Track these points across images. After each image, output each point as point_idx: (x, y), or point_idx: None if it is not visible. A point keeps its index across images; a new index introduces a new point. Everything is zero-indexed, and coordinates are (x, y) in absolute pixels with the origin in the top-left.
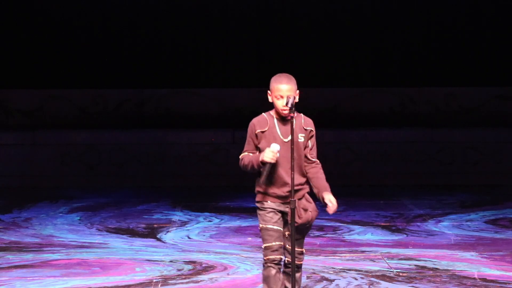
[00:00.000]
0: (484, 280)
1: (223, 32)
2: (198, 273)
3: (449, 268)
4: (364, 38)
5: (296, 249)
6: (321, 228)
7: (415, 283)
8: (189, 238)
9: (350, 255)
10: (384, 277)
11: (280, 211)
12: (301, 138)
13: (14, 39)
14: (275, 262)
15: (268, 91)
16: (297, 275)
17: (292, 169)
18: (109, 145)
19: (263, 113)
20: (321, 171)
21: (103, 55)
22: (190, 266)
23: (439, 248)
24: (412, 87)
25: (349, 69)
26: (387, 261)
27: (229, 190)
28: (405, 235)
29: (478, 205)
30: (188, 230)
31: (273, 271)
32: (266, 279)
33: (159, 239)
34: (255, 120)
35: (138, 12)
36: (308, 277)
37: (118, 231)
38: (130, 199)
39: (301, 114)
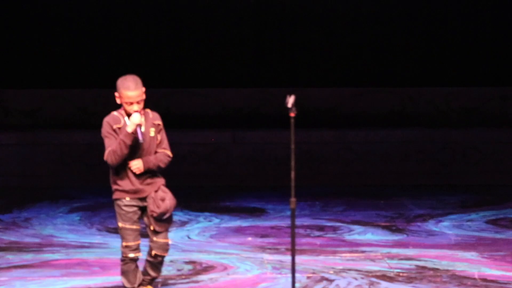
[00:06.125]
0: (485, 280)
1: (223, 31)
2: (198, 273)
3: (450, 268)
4: (364, 38)
5: (163, 240)
6: (321, 228)
7: (415, 283)
8: (189, 238)
9: (350, 255)
10: (384, 277)
11: (139, 207)
12: (152, 132)
13: (14, 39)
14: (135, 259)
15: (116, 93)
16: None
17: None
18: None
19: (113, 112)
20: (162, 156)
21: (103, 54)
22: (190, 266)
23: (439, 248)
24: (412, 87)
25: (349, 69)
26: (387, 261)
27: (229, 190)
28: (406, 235)
29: (478, 205)
30: (188, 230)
31: (133, 266)
32: (125, 273)
33: None
34: (108, 118)
35: (138, 11)
36: (308, 277)
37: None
38: None
39: (148, 109)
